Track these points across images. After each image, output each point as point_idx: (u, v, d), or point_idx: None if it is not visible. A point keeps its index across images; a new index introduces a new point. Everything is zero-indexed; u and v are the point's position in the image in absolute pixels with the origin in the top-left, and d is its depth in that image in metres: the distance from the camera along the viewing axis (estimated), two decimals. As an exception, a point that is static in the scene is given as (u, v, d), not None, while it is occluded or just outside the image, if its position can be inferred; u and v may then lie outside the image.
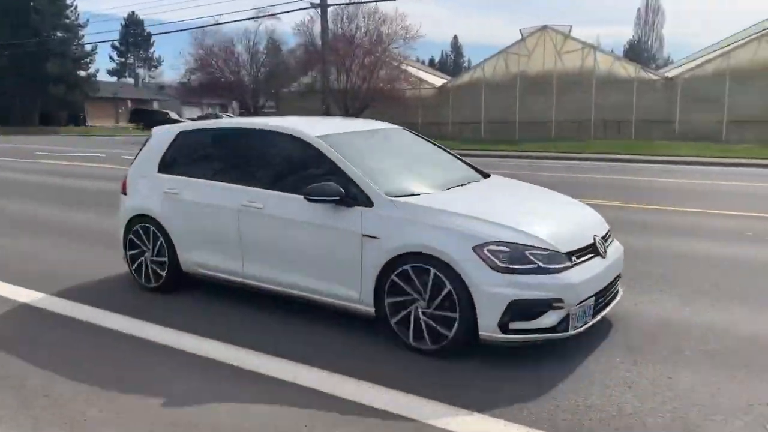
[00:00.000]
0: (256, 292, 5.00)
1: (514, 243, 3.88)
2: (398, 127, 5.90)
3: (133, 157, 5.98)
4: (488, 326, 3.82)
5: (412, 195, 4.39)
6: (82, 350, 4.30)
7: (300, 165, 4.86)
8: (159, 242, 5.43)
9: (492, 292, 3.76)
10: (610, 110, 29.85)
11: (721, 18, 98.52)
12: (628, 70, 30.73)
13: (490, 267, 3.79)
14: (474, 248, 3.84)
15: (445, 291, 3.90)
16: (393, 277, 4.10)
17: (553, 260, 3.88)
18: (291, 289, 4.73)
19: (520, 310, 3.78)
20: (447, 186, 4.83)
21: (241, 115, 45.21)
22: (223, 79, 39.97)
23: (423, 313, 4.03)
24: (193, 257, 5.29)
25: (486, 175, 5.47)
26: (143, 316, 4.89)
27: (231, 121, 5.92)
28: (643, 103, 29.50)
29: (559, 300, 3.80)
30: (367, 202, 4.29)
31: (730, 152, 21.17)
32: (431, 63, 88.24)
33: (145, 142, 5.93)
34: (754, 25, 32.14)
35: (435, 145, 5.83)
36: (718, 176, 15.16)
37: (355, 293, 4.36)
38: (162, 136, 5.78)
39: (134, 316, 4.90)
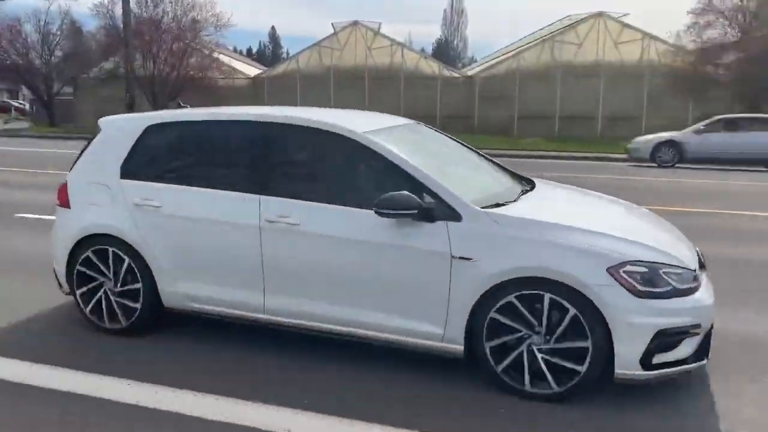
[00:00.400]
0: (249, 326, 4.10)
1: (651, 262, 3.33)
2: (414, 121, 4.99)
3: (75, 159, 4.65)
4: (628, 363, 3.25)
5: (497, 205, 3.68)
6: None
7: (346, 169, 4.05)
8: (124, 269, 4.24)
9: (635, 322, 3.20)
10: (417, 106, 31.55)
11: (521, 18, 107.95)
12: (433, 68, 32.66)
13: (629, 291, 3.22)
14: (608, 269, 3.24)
15: (568, 320, 3.28)
16: (493, 312, 3.38)
17: (684, 280, 3.38)
18: (340, 326, 3.78)
19: (665, 341, 3.26)
20: (516, 193, 4.13)
21: (33, 103, 40.90)
22: (8, 62, 35.81)
23: (540, 350, 3.36)
24: (182, 288, 4.15)
25: (530, 180, 4.78)
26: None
27: (226, 112, 4.38)
28: (447, 100, 31.57)
29: (697, 325, 3.32)
30: (452, 215, 3.50)
31: (519, 145, 23.46)
32: (249, 53, 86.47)
33: (91, 139, 4.62)
34: (541, 29, 35.84)
35: (458, 142, 5.08)
36: (508, 166, 16.67)
37: (438, 329, 3.55)
38: (120, 131, 4.47)
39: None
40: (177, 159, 4.35)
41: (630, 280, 3.24)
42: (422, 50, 45.62)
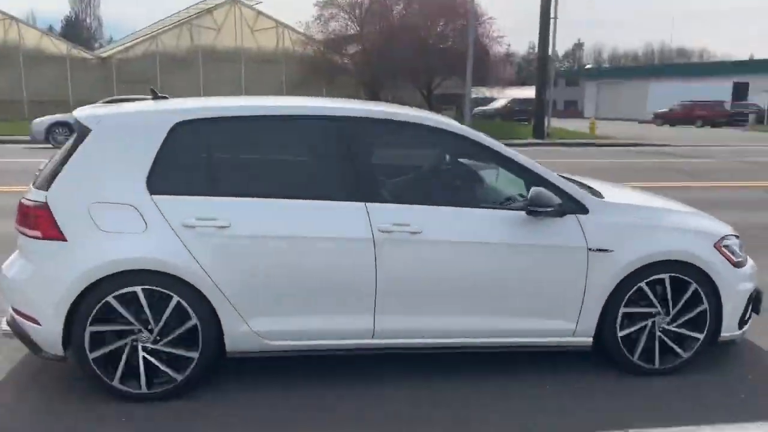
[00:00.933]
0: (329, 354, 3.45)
1: (732, 235, 3.77)
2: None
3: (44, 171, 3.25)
4: (730, 326, 3.67)
5: (599, 195, 3.76)
6: None
7: (458, 168, 3.96)
8: (170, 311, 3.12)
9: (738, 290, 3.63)
10: (43, 88, 28.08)
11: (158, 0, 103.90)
12: (60, 47, 29.46)
13: (730, 263, 3.63)
14: (714, 245, 3.61)
15: (688, 296, 3.55)
16: (627, 299, 3.51)
17: (742, 248, 3.85)
18: (467, 338, 3.45)
19: (753, 302, 3.79)
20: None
21: None
22: None
23: (663, 330, 3.60)
24: (259, 325, 3.25)
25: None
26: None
27: (291, 104, 3.56)
28: (79, 82, 28.83)
29: (758, 289, 3.84)
30: (580, 209, 3.44)
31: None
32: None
33: (76, 142, 3.22)
34: (178, 12, 35.06)
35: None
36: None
37: (571, 324, 3.50)
38: (127, 131, 3.25)
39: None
40: (232, 165, 3.46)
41: (728, 252, 3.64)
42: (50, 28, 40.67)
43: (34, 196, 3.18)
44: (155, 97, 3.82)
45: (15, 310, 3.24)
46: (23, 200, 3.21)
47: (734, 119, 40.24)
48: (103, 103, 4.73)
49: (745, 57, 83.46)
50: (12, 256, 3.33)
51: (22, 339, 3.23)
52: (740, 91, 48.47)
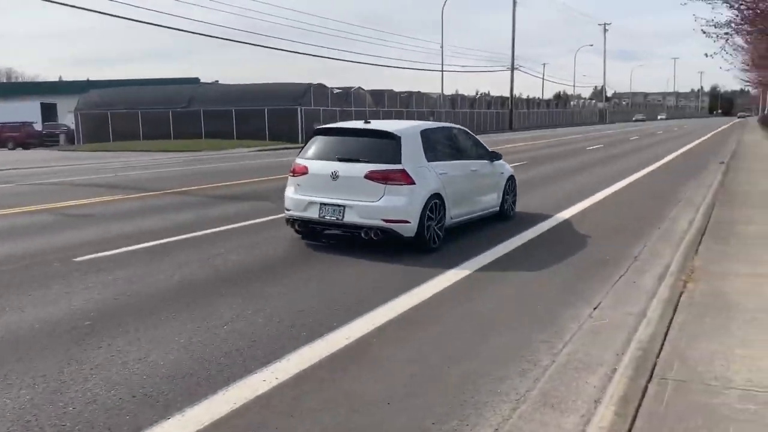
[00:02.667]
0: None
1: None
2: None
3: None
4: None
5: (499, 156, 9.76)
6: None
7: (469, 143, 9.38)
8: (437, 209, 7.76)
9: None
10: None
11: None
12: None
13: None
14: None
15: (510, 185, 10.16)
16: (505, 191, 9.78)
17: None
18: (475, 213, 8.88)
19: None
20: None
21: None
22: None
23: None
24: (451, 213, 8.04)
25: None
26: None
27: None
28: None
29: None
30: (497, 158, 9.47)
31: None
32: None
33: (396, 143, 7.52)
34: None
35: None
36: None
37: (497, 201, 9.47)
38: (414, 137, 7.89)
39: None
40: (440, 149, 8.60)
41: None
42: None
43: (394, 166, 7.24)
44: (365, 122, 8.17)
45: (385, 220, 7.12)
46: (393, 167, 7.24)
47: (46, 140, 40.90)
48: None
49: (54, 79, 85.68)
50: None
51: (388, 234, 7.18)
52: (50, 112, 49.62)
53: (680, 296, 5.17)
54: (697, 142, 34.87)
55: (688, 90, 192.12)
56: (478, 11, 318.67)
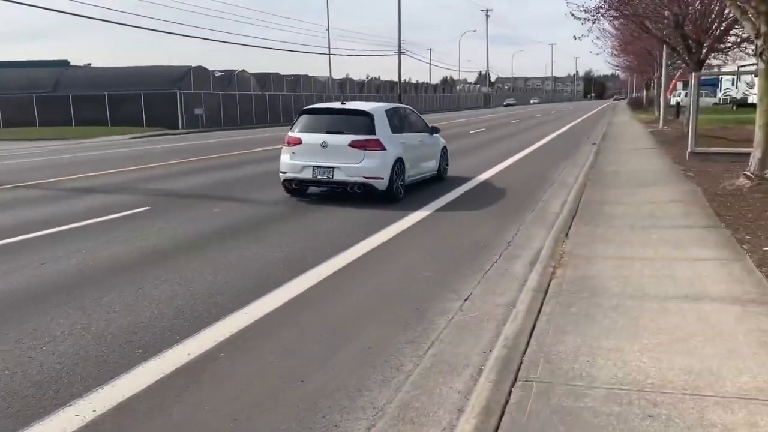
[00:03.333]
0: None
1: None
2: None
3: None
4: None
5: (438, 130, 12.82)
6: None
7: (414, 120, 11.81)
8: (398, 168, 9.97)
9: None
10: None
11: None
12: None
13: None
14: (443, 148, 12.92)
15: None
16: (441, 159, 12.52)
17: None
18: (422, 174, 11.20)
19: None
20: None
21: None
22: None
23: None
24: (408, 172, 10.41)
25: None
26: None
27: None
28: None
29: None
30: (436, 132, 12.18)
31: None
32: None
33: (369, 120, 9.89)
34: None
35: None
36: None
37: (436, 166, 11.91)
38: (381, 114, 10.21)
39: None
40: (400, 124, 11.19)
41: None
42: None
43: (371, 137, 9.55)
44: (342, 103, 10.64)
45: (365, 177, 9.33)
46: (370, 137, 9.53)
47: None
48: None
49: None
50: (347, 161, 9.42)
51: (367, 188, 9.44)
52: None
53: (549, 283, 5.05)
54: (572, 124, 36.55)
55: (565, 75, 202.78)
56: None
